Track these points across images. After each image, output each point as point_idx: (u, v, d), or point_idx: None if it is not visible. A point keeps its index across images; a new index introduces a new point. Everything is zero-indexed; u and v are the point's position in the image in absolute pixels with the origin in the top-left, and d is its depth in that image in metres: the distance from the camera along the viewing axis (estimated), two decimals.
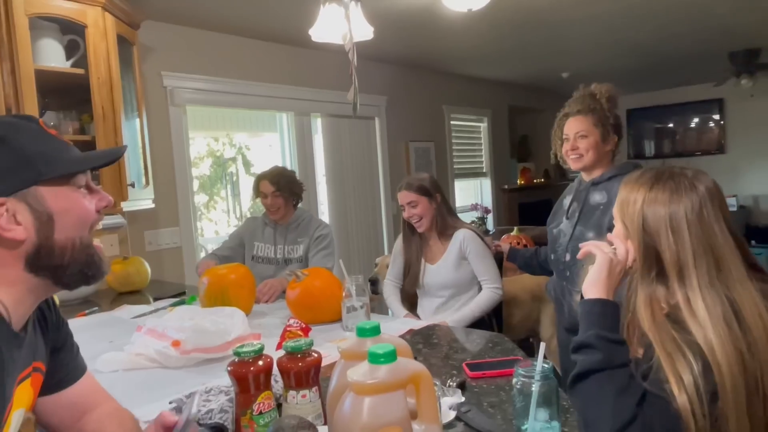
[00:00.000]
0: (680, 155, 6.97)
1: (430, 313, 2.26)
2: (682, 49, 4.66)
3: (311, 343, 1.04)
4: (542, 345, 0.99)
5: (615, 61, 5.08)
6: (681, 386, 0.83)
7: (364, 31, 1.32)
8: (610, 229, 1.68)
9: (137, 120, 2.63)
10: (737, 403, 0.81)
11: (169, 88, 3.12)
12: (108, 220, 2.41)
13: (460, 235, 2.20)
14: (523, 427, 0.96)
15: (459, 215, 5.34)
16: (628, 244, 0.98)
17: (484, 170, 5.80)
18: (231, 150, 3.84)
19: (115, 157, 0.85)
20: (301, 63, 3.81)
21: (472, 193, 5.75)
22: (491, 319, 2.29)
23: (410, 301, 2.41)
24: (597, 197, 1.85)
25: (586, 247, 1.04)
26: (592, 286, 0.97)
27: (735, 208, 6.29)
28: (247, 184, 3.85)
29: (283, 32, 3.44)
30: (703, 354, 0.84)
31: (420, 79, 4.83)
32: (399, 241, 2.37)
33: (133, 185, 2.43)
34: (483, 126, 5.78)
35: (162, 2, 2.78)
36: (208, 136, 3.65)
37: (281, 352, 1.04)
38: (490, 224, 5.40)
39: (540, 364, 0.96)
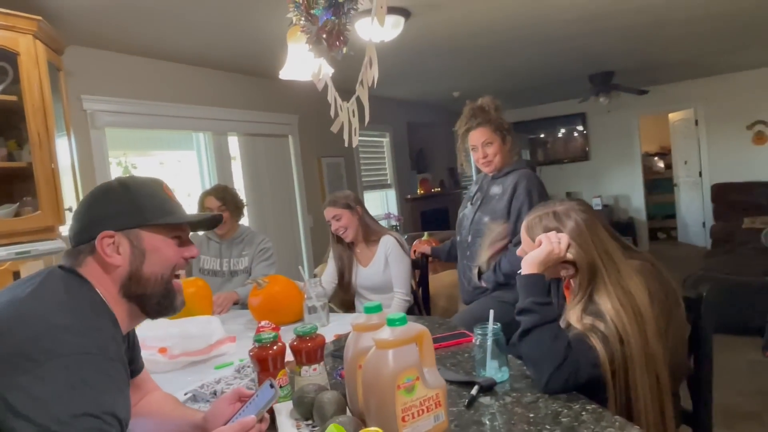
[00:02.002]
0: (552, 162, 7.92)
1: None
2: (553, 71, 5.42)
3: (316, 328, 1.29)
4: (491, 312, 1.33)
5: (497, 82, 5.74)
6: (598, 338, 1.17)
7: (328, 70, 1.59)
8: (504, 215, 2.05)
9: (67, 144, 2.64)
10: (636, 347, 1.15)
11: (89, 111, 3.12)
12: (48, 245, 2.41)
13: (385, 241, 2.43)
14: (483, 373, 1.29)
15: None
16: (568, 247, 1.26)
17: (389, 182, 6.20)
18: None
19: (211, 223, 1.09)
20: (217, 84, 3.93)
21: (379, 204, 6.11)
22: (420, 312, 2.63)
23: (346, 306, 2.66)
24: (495, 189, 2.19)
25: (540, 237, 1.30)
26: (529, 263, 1.28)
27: (600, 207, 7.27)
28: None
29: (198, 55, 3.56)
30: (613, 320, 1.17)
31: (327, 98, 5.09)
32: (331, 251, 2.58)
33: (71, 209, 2.46)
34: (385, 141, 6.19)
35: (83, 28, 2.81)
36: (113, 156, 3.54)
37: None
38: (401, 230, 5.77)
39: (491, 325, 1.30)
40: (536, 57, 4.68)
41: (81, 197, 2.70)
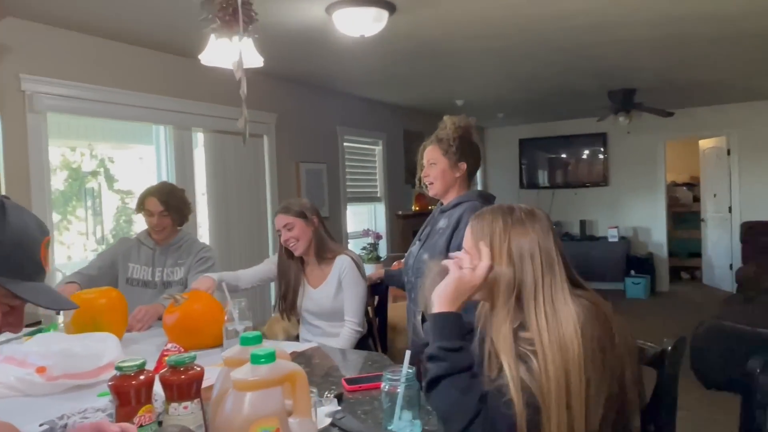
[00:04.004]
0: (570, 186, 7.84)
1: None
2: (568, 84, 5.35)
3: (194, 357, 1.19)
4: (407, 353, 1.23)
5: (507, 92, 5.69)
6: (516, 384, 1.09)
7: (255, 60, 1.53)
8: (443, 251, 1.96)
9: None
10: (557, 391, 1.07)
11: (28, 93, 3.07)
12: None
13: (341, 261, 2.36)
14: (390, 427, 1.18)
15: (350, 241, 5.60)
16: (491, 266, 1.20)
17: (378, 195, 6.14)
18: (92, 162, 3.73)
19: (60, 308, 1.01)
20: (182, 73, 3.89)
21: (365, 218, 6.05)
22: (376, 345, 2.53)
23: (288, 332, 2.60)
24: (442, 223, 2.15)
25: (446, 262, 1.25)
26: (437, 298, 1.19)
27: (616, 239, 7.14)
28: (110, 202, 3.77)
29: (164, 40, 3.52)
30: (536, 360, 1.10)
31: (313, 98, 5.06)
32: (274, 259, 2.50)
33: None
34: (378, 149, 6.13)
35: None
36: (65, 145, 3.53)
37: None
38: (382, 250, 5.72)
39: (405, 369, 1.20)
40: (548, 67, 4.62)
41: (3, 188, 2.64)
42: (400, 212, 6.33)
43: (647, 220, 7.41)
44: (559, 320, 1.12)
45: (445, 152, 2.11)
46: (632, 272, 7.03)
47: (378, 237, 4.95)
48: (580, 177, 7.82)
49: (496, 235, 1.21)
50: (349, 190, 5.61)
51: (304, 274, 2.44)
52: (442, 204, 2.23)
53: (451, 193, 2.17)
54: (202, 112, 4.01)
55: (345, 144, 5.57)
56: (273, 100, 4.63)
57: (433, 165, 2.14)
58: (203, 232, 4.13)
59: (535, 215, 1.23)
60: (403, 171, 6.60)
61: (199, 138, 4.13)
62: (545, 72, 4.81)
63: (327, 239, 2.42)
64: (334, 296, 2.36)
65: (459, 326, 1.16)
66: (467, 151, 2.14)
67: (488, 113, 6.90)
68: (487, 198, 2.15)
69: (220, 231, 4.20)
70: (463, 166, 2.14)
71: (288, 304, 2.43)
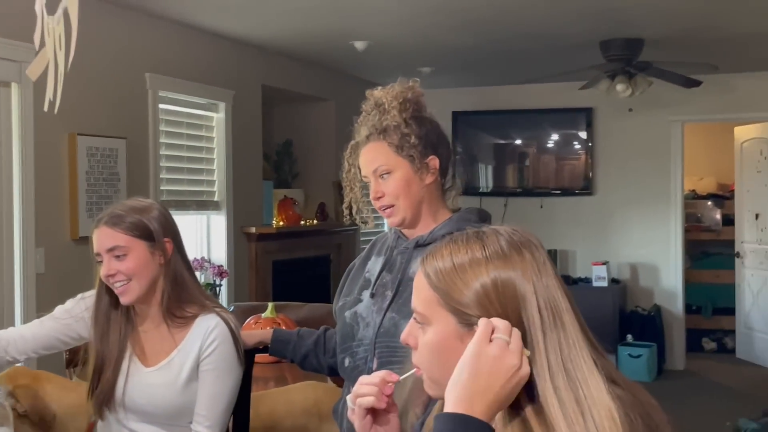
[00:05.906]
0: (531, 193, 8.07)
1: None
2: (537, 24, 5.51)
3: None
4: None
5: (437, 33, 5.81)
6: None
7: None
8: None
9: None
10: None
11: None
12: None
13: (206, 326, 2.37)
14: None
15: None
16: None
17: (215, 198, 6.07)
18: None
19: None
20: None
21: (194, 239, 5.98)
22: None
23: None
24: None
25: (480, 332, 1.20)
26: (456, 391, 1.16)
27: (604, 283, 7.43)
28: None
29: None
30: None
31: (105, 21, 4.93)
32: (74, 309, 2.47)
33: None
34: (217, 118, 6.07)
35: None
36: None
37: None
38: (224, 296, 5.63)
39: None
40: None
41: None
42: (253, 229, 6.33)
43: (653, 253, 7.73)
44: (586, 408, 1.15)
45: (401, 148, 2.16)
46: (629, 337, 7.33)
47: (221, 273, 4.85)
48: (548, 178, 8.08)
49: (456, 281, 1.25)
50: (165, 188, 5.56)
51: (134, 339, 2.43)
52: (401, 234, 2.30)
53: (427, 214, 2.24)
54: None
55: (161, 106, 5.50)
56: (26, 20, 4.37)
57: (387, 174, 2.19)
58: None
59: (523, 241, 1.29)
60: (261, 157, 6.60)
61: None
62: (502, 4, 4.90)
63: (189, 283, 2.43)
64: (184, 386, 2.35)
65: None
66: (432, 137, 2.22)
67: (405, 66, 6.91)
68: (484, 216, 2.27)
69: None
70: (435, 162, 2.20)
71: (103, 387, 2.36)
